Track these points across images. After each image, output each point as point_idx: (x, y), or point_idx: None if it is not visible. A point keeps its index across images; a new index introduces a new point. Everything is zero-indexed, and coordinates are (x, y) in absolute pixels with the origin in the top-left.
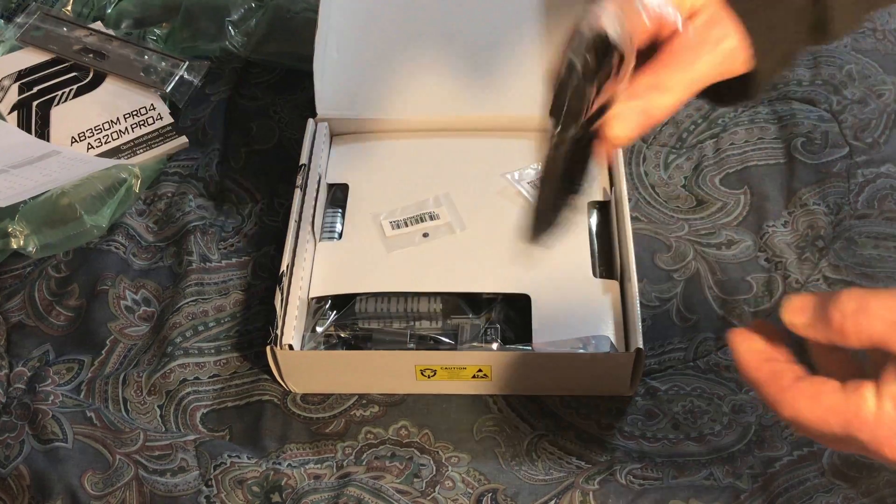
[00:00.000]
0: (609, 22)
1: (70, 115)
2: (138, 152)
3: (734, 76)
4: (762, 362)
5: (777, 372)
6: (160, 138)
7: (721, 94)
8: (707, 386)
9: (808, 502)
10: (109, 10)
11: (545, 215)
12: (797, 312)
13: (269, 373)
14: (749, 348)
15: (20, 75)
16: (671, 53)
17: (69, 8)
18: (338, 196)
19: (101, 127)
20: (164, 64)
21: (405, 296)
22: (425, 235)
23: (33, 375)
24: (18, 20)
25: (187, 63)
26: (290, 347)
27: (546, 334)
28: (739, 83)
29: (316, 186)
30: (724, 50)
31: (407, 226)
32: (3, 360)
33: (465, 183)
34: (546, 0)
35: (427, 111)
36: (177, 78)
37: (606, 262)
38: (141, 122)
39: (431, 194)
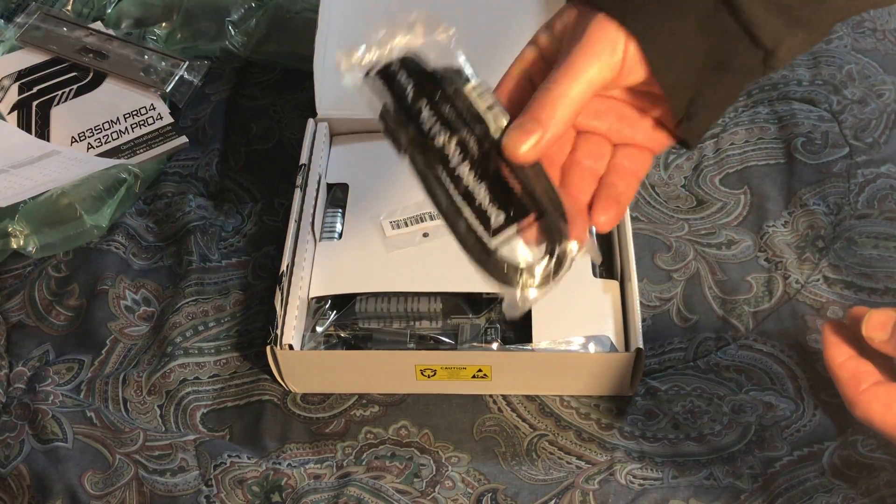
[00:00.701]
0: None
1: (70, 115)
2: (138, 152)
3: (645, 88)
4: (847, 359)
5: (858, 372)
6: (160, 138)
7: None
8: (707, 386)
9: (809, 502)
10: (109, 10)
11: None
12: (878, 328)
13: (269, 373)
14: (838, 342)
15: (20, 75)
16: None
17: (69, 8)
18: (338, 196)
19: (101, 127)
20: (164, 64)
21: (405, 296)
22: (425, 235)
23: (33, 375)
24: (18, 20)
25: (187, 63)
26: (290, 347)
27: (546, 334)
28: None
29: (316, 186)
30: (613, 61)
31: (407, 226)
32: (3, 360)
33: None
34: (546, 1)
35: None
36: (177, 78)
37: (606, 261)
38: (141, 122)
39: None
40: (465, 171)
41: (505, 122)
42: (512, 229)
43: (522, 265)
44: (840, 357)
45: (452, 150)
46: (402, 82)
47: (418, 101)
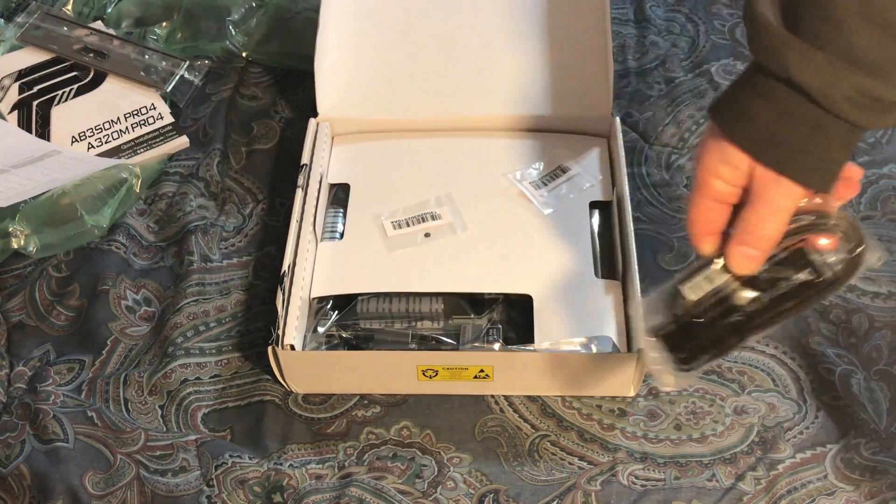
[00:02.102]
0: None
1: (70, 115)
2: (139, 152)
3: None
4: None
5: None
6: (161, 138)
7: None
8: (709, 387)
9: None
10: (110, 10)
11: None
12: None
13: (271, 373)
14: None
15: (20, 75)
16: None
17: (69, 7)
18: (339, 196)
19: (101, 126)
20: (164, 63)
21: (407, 296)
22: (427, 235)
23: (34, 375)
24: (19, 20)
25: (187, 63)
26: (292, 348)
27: (548, 335)
28: None
29: (317, 186)
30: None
31: (408, 226)
32: (3, 360)
33: (466, 183)
34: (546, 0)
35: (428, 111)
36: (177, 77)
37: (608, 262)
38: (141, 122)
39: (433, 194)
40: None
41: None
42: None
43: None
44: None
45: None
46: None
47: None
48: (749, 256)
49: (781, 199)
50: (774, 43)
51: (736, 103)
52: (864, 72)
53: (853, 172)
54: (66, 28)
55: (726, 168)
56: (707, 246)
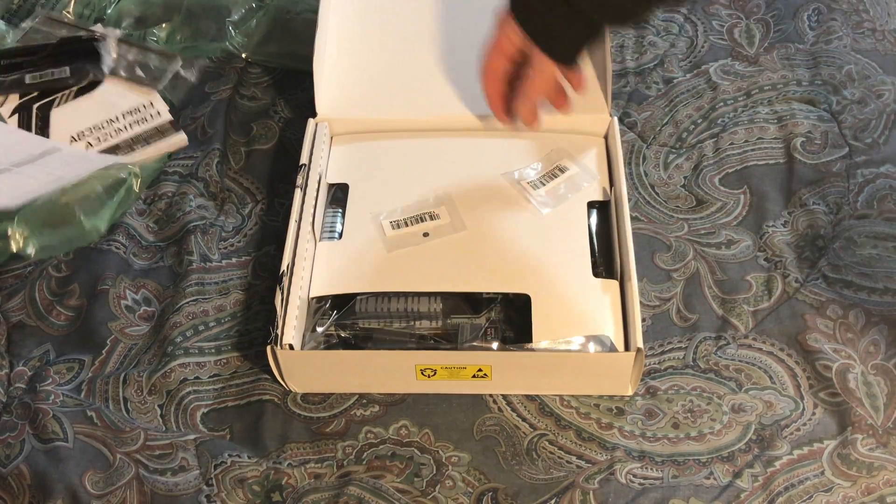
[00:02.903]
0: None
1: (69, 116)
2: (137, 149)
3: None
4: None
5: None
6: (159, 135)
7: None
8: (707, 385)
9: (808, 501)
10: (110, 11)
11: None
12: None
13: (270, 372)
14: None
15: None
16: None
17: (70, 10)
18: (338, 196)
19: (99, 125)
20: (158, 62)
21: (405, 295)
22: (425, 235)
23: (34, 375)
24: (22, 25)
25: (182, 61)
26: (291, 347)
27: (546, 334)
28: None
29: (316, 186)
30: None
31: (407, 225)
32: (3, 360)
33: (465, 183)
34: None
35: (427, 111)
36: (170, 75)
37: (606, 261)
38: (139, 120)
39: (432, 194)
40: None
41: None
42: None
43: None
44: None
45: None
46: None
47: None
48: (528, 108)
49: (546, 66)
50: None
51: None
52: None
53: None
54: (66, 31)
55: (511, 39)
56: (494, 86)
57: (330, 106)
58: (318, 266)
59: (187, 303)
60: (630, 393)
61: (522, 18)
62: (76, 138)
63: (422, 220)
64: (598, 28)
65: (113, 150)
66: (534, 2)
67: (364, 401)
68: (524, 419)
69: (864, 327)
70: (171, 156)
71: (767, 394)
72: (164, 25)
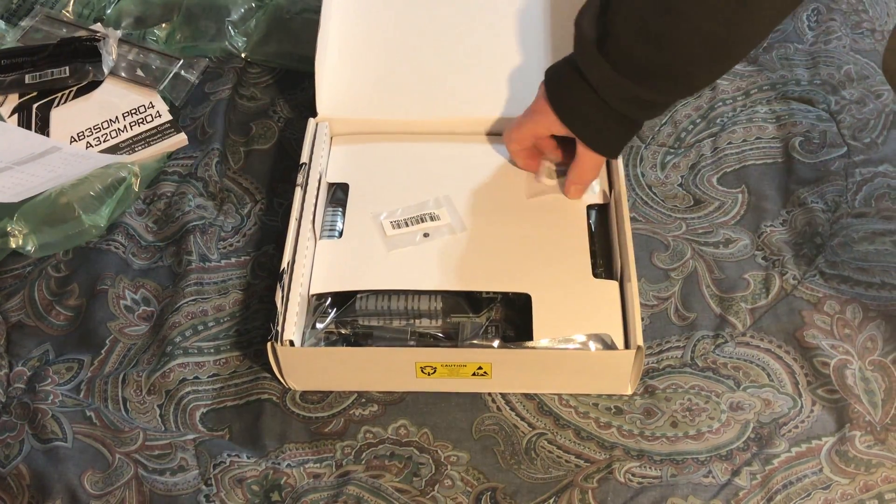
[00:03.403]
0: None
1: (69, 116)
2: (137, 149)
3: None
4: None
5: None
6: (159, 135)
7: None
8: (705, 384)
9: (806, 499)
10: (109, 11)
11: None
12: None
13: (269, 372)
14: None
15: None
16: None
17: (70, 9)
18: (338, 195)
19: (99, 126)
20: (158, 62)
21: (406, 293)
22: (426, 236)
23: (33, 375)
24: (22, 23)
25: (182, 61)
26: (291, 344)
27: (546, 333)
28: None
29: (316, 185)
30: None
31: (407, 226)
32: (2, 360)
33: (465, 184)
34: (545, 3)
35: (426, 112)
36: (171, 75)
37: (606, 262)
38: (140, 120)
39: (432, 195)
40: None
41: None
42: None
43: None
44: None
45: None
46: None
47: None
48: (581, 190)
49: (592, 159)
50: (585, 52)
51: (563, 87)
52: (632, 81)
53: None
54: (65, 30)
55: (550, 127)
56: (520, 155)
57: (330, 106)
58: (318, 264)
59: (186, 303)
60: (629, 392)
61: (566, 117)
62: (76, 138)
63: (422, 221)
64: (638, 123)
65: (113, 150)
66: (576, 100)
67: (363, 400)
68: (523, 418)
69: (862, 322)
70: (170, 156)
71: (765, 391)
72: (163, 25)
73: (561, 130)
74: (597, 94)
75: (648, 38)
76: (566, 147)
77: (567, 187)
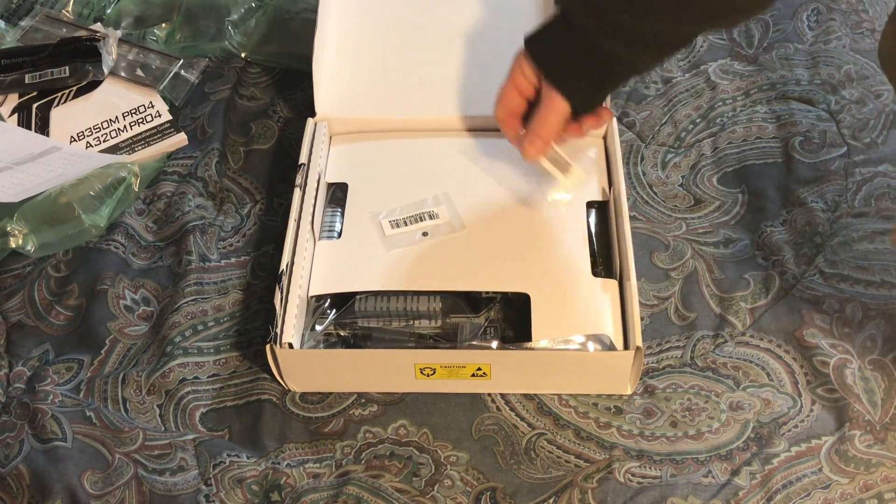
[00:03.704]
0: None
1: (69, 116)
2: (137, 149)
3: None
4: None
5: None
6: (159, 135)
7: None
8: (705, 384)
9: (806, 498)
10: (109, 11)
11: None
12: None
13: (269, 372)
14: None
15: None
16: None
17: (69, 9)
18: (337, 195)
19: (99, 126)
20: (158, 62)
21: (405, 294)
22: (424, 234)
23: (33, 375)
24: (22, 23)
25: (182, 61)
26: (290, 346)
27: (545, 333)
28: None
29: (315, 185)
30: (556, 108)
31: (406, 225)
32: (2, 360)
33: (464, 182)
34: (544, 1)
35: (426, 111)
36: (171, 75)
37: (605, 261)
38: (140, 120)
39: (431, 194)
40: None
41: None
42: None
43: None
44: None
45: None
46: None
47: None
48: (538, 146)
49: (558, 103)
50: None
51: (538, 29)
52: (622, 8)
53: (605, 112)
54: (65, 30)
55: (525, 74)
56: (507, 122)
57: (329, 106)
58: (317, 265)
59: (186, 302)
60: (629, 392)
61: (536, 54)
62: (76, 138)
63: (421, 220)
64: (626, 72)
65: (113, 149)
66: (550, 36)
67: (362, 400)
68: (523, 418)
69: (861, 321)
70: (170, 155)
71: (765, 391)
72: (163, 25)
73: (531, 73)
74: (567, 22)
75: None
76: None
77: (522, 141)
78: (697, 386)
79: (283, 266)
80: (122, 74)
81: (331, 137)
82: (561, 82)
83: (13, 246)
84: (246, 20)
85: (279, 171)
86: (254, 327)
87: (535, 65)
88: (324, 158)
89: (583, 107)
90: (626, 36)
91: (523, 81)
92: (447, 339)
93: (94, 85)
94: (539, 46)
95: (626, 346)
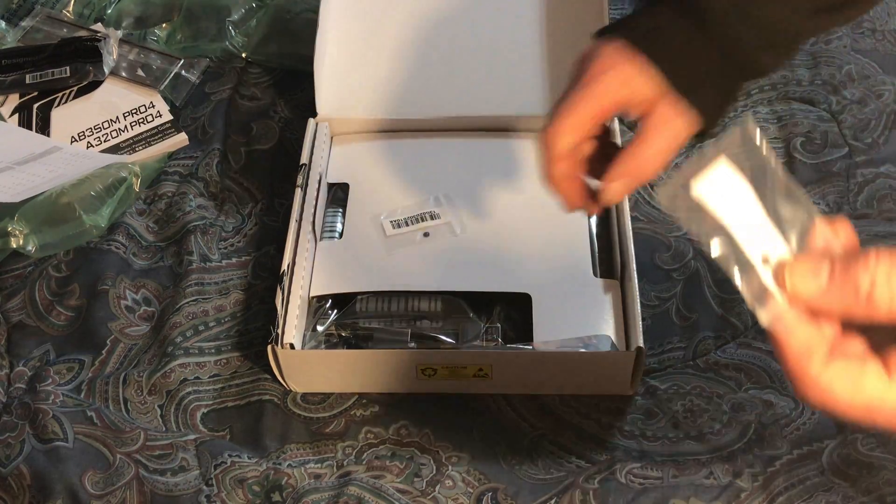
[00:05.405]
0: None
1: (70, 116)
2: (138, 149)
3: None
4: (798, 325)
5: (810, 344)
6: (160, 135)
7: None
8: (707, 385)
9: (808, 501)
10: (110, 11)
11: None
12: (807, 277)
13: (270, 372)
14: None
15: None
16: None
17: (70, 9)
18: (338, 195)
19: (100, 126)
20: (159, 62)
21: (406, 295)
22: (426, 235)
23: (34, 375)
24: (22, 24)
25: (182, 61)
26: (291, 346)
27: (547, 333)
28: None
29: (316, 186)
30: (674, 131)
31: (407, 225)
32: (3, 360)
33: (465, 183)
34: (545, 1)
35: (427, 111)
36: (171, 75)
37: (607, 261)
38: (140, 120)
39: (432, 194)
40: None
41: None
42: None
43: None
44: (790, 320)
45: None
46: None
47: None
48: (629, 186)
49: (679, 124)
50: None
51: (653, 32)
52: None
53: None
54: (66, 30)
55: (632, 86)
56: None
57: (330, 106)
58: (318, 266)
59: (187, 303)
60: (630, 392)
61: (658, 55)
62: (77, 138)
63: (422, 220)
64: (749, 80)
65: (113, 150)
66: (669, 32)
67: (364, 401)
68: (524, 419)
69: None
70: (171, 156)
71: (767, 393)
72: (164, 25)
73: (644, 84)
74: (692, 11)
75: None
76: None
77: (607, 183)
78: (699, 387)
79: (284, 267)
80: (123, 74)
81: (332, 138)
82: (692, 92)
83: (14, 246)
84: (247, 20)
85: (280, 172)
86: (255, 327)
87: (659, 69)
88: (325, 159)
89: (712, 125)
90: (762, 27)
91: (620, 96)
92: (448, 339)
93: (94, 85)
94: (657, 44)
95: (627, 347)
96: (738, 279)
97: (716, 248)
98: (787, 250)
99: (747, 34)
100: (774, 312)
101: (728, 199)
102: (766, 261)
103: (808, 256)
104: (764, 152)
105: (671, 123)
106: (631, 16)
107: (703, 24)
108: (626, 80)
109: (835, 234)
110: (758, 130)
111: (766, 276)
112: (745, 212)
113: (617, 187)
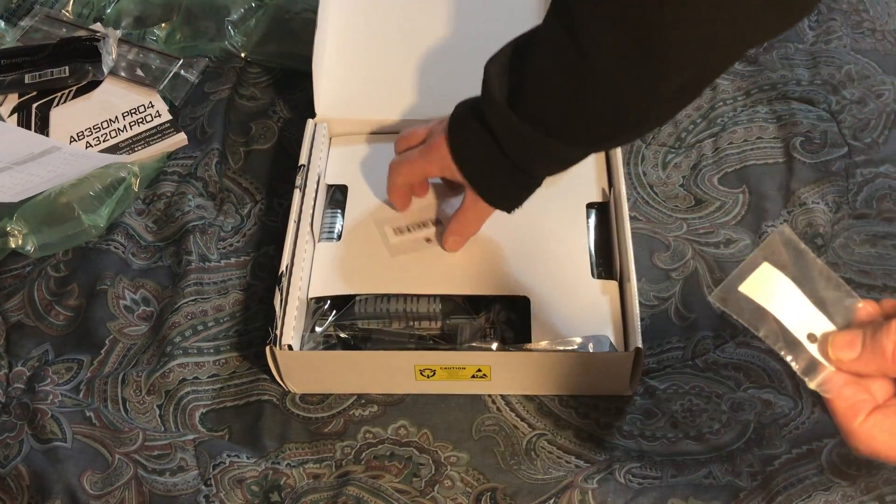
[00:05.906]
0: None
1: (69, 116)
2: (137, 149)
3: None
4: (844, 385)
5: (856, 402)
6: (159, 135)
7: None
8: (706, 384)
9: (807, 500)
10: (109, 11)
11: None
12: (845, 348)
13: (269, 373)
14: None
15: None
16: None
17: (69, 9)
18: (337, 197)
19: (99, 126)
20: (158, 62)
21: (405, 296)
22: (428, 241)
23: (32, 375)
24: (22, 23)
25: (182, 61)
26: (290, 347)
27: (545, 334)
28: None
29: (315, 187)
30: (482, 207)
31: (409, 231)
32: (2, 360)
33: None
34: (544, 2)
35: (427, 112)
36: (170, 75)
37: (605, 262)
38: (139, 120)
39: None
40: None
41: None
42: None
43: None
44: (837, 384)
45: None
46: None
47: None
48: (460, 242)
49: (479, 211)
50: (491, 101)
51: (464, 131)
52: (543, 132)
53: None
54: (65, 30)
55: (440, 166)
56: (403, 196)
57: (329, 106)
58: (317, 267)
59: (186, 303)
60: (629, 393)
61: (464, 163)
62: (76, 138)
63: (424, 227)
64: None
65: (113, 149)
66: (475, 145)
67: (363, 401)
68: (523, 419)
69: None
70: (170, 155)
71: (766, 393)
72: (163, 25)
73: (454, 175)
74: (497, 145)
75: (559, 102)
76: (451, 193)
77: (445, 238)
78: (698, 387)
79: (282, 268)
80: (122, 74)
81: (331, 138)
82: (490, 195)
83: (13, 246)
84: (246, 20)
85: (279, 172)
86: (254, 328)
87: (462, 173)
88: (324, 160)
89: (509, 210)
90: (553, 162)
91: (435, 170)
92: (447, 340)
93: (93, 85)
94: (465, 154)
95: (626, 347)
96: (787, 356)
97: (766, 333)
98: (832, 327)
99: (543, 169)
100: (823, 378)
101: (773, 293)
102: (812, 337)
103: (847, 331)
104: (801, 246)
105: (479, 203)
106: (475, 105)
107: (501, 156)
108: (448, 165)
109: (879, 309)
110: (794, 235)
111: (813, 350)
112: (790, 300)
113: (451, 242)
